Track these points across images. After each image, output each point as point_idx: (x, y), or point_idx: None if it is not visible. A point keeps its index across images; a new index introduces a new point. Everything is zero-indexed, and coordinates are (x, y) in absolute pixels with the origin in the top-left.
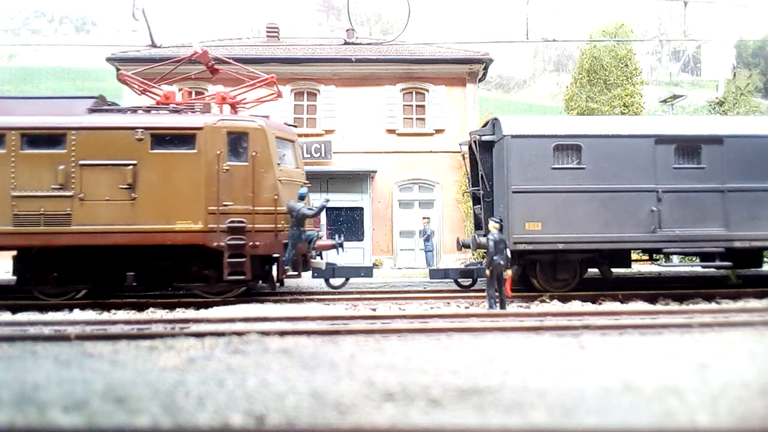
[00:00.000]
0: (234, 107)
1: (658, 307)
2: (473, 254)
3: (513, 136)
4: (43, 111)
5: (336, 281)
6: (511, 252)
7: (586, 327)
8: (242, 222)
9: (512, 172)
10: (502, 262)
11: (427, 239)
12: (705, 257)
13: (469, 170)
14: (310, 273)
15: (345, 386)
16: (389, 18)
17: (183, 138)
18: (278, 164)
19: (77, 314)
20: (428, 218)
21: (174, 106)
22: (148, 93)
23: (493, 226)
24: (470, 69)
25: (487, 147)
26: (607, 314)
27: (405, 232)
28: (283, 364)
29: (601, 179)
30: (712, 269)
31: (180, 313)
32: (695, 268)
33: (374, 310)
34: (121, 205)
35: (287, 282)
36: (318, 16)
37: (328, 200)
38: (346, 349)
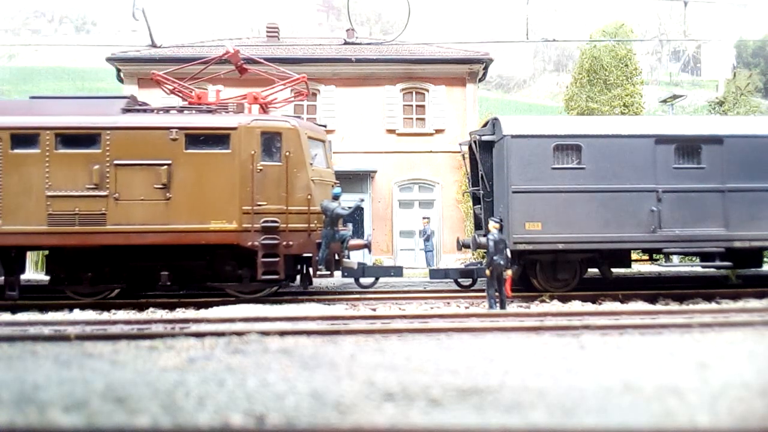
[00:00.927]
0: (265, 107)
1: (658, 307)
2: (473, 254)
3: (513, 136)
4: (76, 111)
5: (365, 281)
6: (511, 252)
7: (586, 327)
8: (276, 222)
9: (512, 172)
10: (502, 262)
11: (427, 239)
12: (705, 257)
13: (469, 170)
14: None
15: (345, 386)
16: (389, 18)
17: (217, 138)
18: (311, 164)
19: (77, 314)
20: (428, 218)
21: (207, 106)
22: (177, 93)
23: (493, 226)
24: (470, 69)
25: (487, 147)
26: (607, 314)
27: (405, 232)
28: (283, 364)
29: (601, 179)
30: (712, 269)
31: (180, 313)
32: (695, 268)
33: (374, 310)
34: (155, 205)
35: (315, 281)
36: (318, 16)
37: (362, 200)
38: (346, 349)
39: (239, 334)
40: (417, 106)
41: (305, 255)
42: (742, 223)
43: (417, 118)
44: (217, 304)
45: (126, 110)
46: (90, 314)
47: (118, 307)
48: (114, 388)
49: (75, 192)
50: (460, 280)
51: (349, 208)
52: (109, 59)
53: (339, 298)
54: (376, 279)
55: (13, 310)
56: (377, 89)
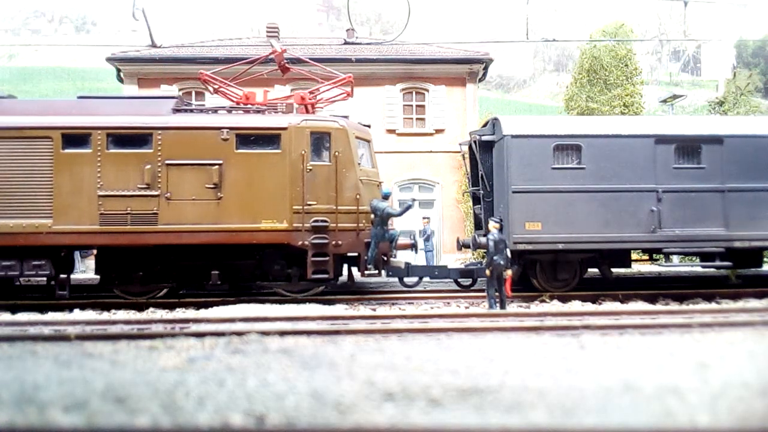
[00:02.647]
0: (312, 107)
1: (658, 307)
2: (473, 254)
3: (513, 136)
4: (127, 111)
5: (409, 280)
6: (511, 252)
7: (586, 327)
8: (325, 221)
9: (512, 172)
10: (502, 262)
11: (427, 239)
12: (705, 257)
13: (469, 170)
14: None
15: (345, 386)
16: (389, 18)
17: (268, 138)
18: (358, 164)
19: (77, 314)
20: (428, 218)
21: (257, 106)
22: (221, 92)
23: (493, 226)
24: (470, 69)
25: (487, 147)
26: (607, 314)
27: (405, 232)
28: (283, 364)
29: (601, 179)
30: (712, 269)
31: (180, 313)
32: (695, 268)
33: (374, 310)
34: (207, 205)
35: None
36: (318, 16)
37: (414, 200)
38: (346, 349)
39: (239, 334)
40: (417, 106)
41: (350, 254)
42: (742, 223)
43: (417, 118)
44: (217, 304)
45: (176, 110)
46: (90, 314)
47: (118, 307)
48: (114, 388)
49: (127, 192)
50: (460, 280)
51: (401, 208)
52: (109, 59)
53: (339, 298)
54: (420, 279)
55: (13, 310)
56: (377, 89)
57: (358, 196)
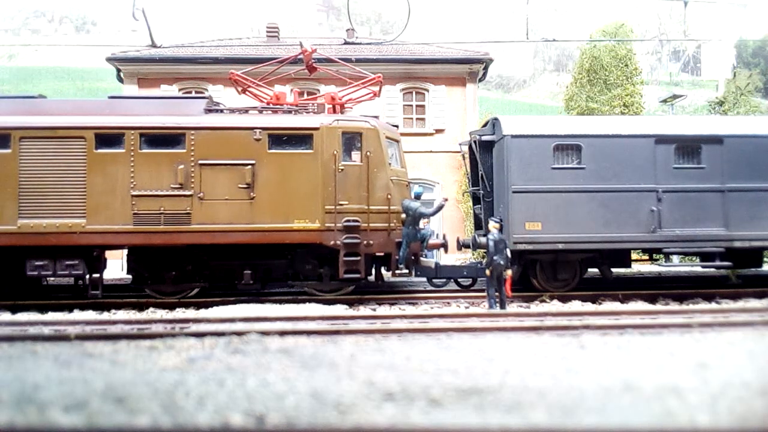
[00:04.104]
0: (341, 107)
1: (658, 307)
2: (473, 254)
3: (513, 136)
4: (159, 111)
5: (438, 280)
6: (512, 252)
7: (586, 327)
8: (357, 221)
9: (512, 172)
10: (502, 262)
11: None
12: (705, 257)
13: (469, 170)
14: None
15: (345, 386)
16: (389, 18)
17: (300, 138)
18: (389, 164)
19: (77, 314)
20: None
21: (288, 106)
22: (249, 92)
23: (492, 226)
24: (470, 69)
25: (487, 147)
26: (607, 314)
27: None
28: (283, 364)
29: (601, 179)
30: (712, 269)
31: (180, 313)
32: (695, 268)
33: (374, 310)
34: (239, 204)
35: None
36: (318, 16)
37: (446, 199)
38: (346, 349)
39: (239, 334)
40: (417, 106)
41: (378, 254)
42: (742, 222)
43: (417, 118)
44: (217, 304)
45: (208, 110)
46: (90, 314)
47: (118, 307)
48: (114, 388)
49: (160, 191)
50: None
51: (433, 208)
52: (109, 59)
53: (339, 298)
54: (449, 279)
55: (13, 310)
56: None
57: (389, 196)
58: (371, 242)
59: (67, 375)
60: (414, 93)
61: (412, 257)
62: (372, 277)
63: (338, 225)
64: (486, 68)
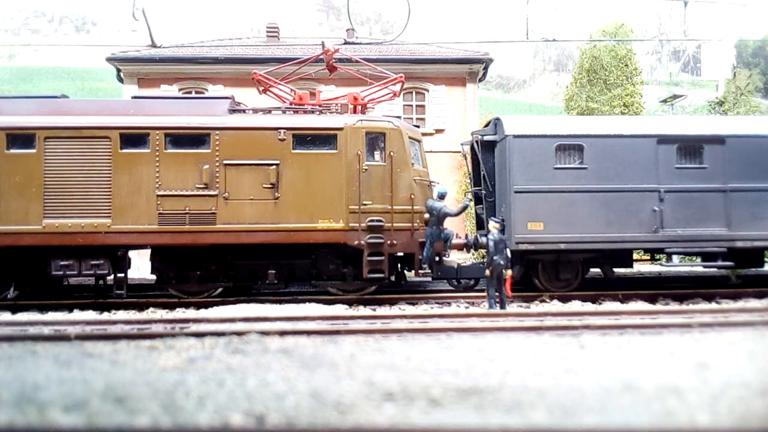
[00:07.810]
0: (363, 107)
1: (658, 307)
2: (473, 254)
3: (515, 136)
4: (184, 111)
5: (463, 280)
6: (514, 252)
7: (586, 327)
8: (381, 221)
9: (514, 172)
10: (502, 262)
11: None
12: (707, 257)
13: (470, 170)
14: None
15: (345, 386)
16: (389, 18)
17: (324, 138)
18: (412, 164)
19: (77, 314)
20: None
21: (311, 107)
22: (271, 92)
23: (493, 226)
24: (470, 69)
25: (488, 147)
26: (607, 314)
27: None
28: (283, 364)
29: (603, 179)
30: (713, 269)
31: (180, 313)
32: (695, 268)
33: (374, 310)
34: (264, 204)
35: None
36: (318, 16)
37: (471, 199)
38: (346, 349)
39: (239, 334)
40: (417, 105)
41: (399, 254)
42: (744, 223)
43: (417, 118)
44: (217, 304)
45: (232, 110)
46: (90, 314)
47: (118, 307)
48: (114, 388)
49: (185, 191)
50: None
51: (457, 208)
52: (109, 59)
53: (339, 298)
54: (470, 279)
55: (13, 310)
56: None
57: (412, 196)
58: (395, 242)
59: (67, 375)
60: (414, 93)
61: (435, 257)
62: (393, 278)
63: (362, 225)
64: (486, 68)
